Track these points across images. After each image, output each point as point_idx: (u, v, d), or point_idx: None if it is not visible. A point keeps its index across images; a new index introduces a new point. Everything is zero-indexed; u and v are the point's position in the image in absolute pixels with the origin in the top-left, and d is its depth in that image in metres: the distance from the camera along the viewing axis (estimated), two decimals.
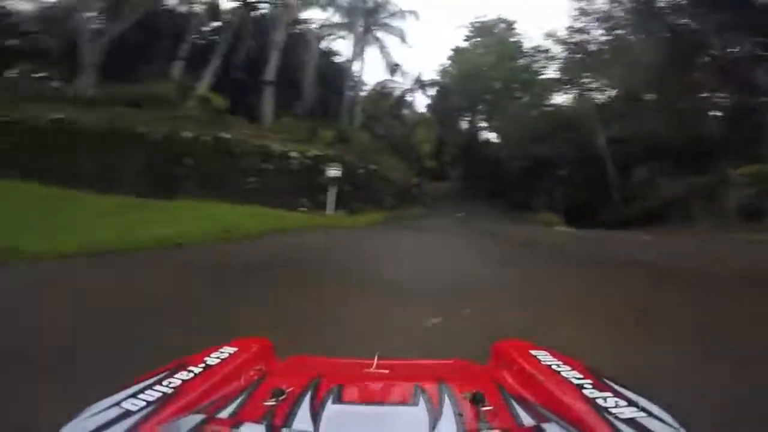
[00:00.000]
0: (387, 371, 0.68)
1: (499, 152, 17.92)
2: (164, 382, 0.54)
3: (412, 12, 19.92)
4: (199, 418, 0.45)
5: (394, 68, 23.64)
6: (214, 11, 13.13)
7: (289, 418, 0.47)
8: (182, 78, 10.79)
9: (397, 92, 23.89)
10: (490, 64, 23.83)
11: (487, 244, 6.91)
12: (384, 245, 5.70)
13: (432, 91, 25.92)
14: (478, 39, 27.36)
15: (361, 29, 19.63)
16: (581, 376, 0.57)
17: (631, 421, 0.45)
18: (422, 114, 24.21)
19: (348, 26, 19.69)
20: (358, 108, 18.60)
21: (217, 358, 0.64)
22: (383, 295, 3.08)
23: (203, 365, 0.61)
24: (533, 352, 0.69)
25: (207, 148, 7.54)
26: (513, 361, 0.68)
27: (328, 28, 19.94)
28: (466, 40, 27.33)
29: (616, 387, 0.54)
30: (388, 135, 18.75)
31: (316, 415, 0.47)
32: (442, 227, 9.03)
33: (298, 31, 16.56)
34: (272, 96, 12.27)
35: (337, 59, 20.14)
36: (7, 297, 2.64)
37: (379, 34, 21.17)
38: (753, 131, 10.21)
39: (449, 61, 28.38)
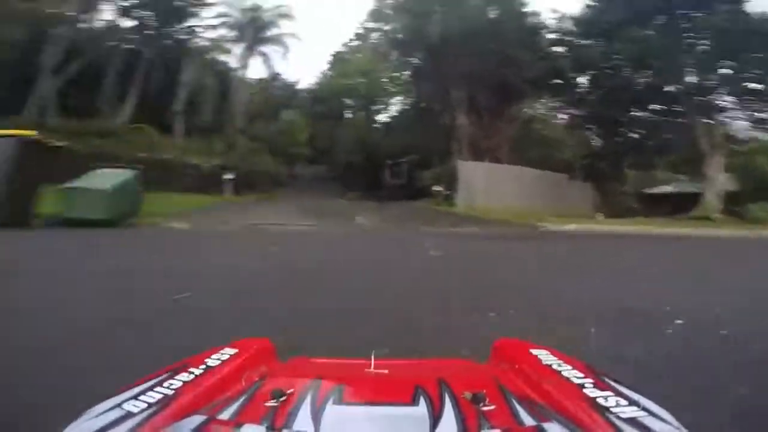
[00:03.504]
0: (386, 371, 0.73)
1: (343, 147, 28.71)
2: (165, 384, 0.59)
3: (292, 34, 28.05)
4: (200, 419, 0.49)
5: (275, 77, 32.19)
6: (132, 52, 20.23)
7: (289, 419, 0.50)
8: (123, 112, 18.28)
9: (276, 97, 32.63)
10: (359, 71, 33.48)
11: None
12: (246, 205, 15.28)
13: (308, 95, 35.22)
14: (355, 44, 36.80)
15: (247, 44, 27.28)
16: (582, 375, 0.62)
17: (632, 421, 0.48)
18: (297, 113, 33.19)
19: (236, 41, 27.14)
20: (242, 114, 26.75)
21: (218, 359, 0.70)
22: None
23: (204, 367, 0.67)
24: (533, 351, 0.75)
25: (157, 165, 15.82)
26: (513, 361, 0.73)
27: (218, 43, 27.12)
28: (344, 45, 34.68)
29: (617, 386, 0.58)
30: (266, 135, 27.45)
31: (316, 416, 0.51)
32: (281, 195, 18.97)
33: (194, 51, 23.71)
34: (182, 120, 20.43)
35: (224, 71, 27.45)
36: None
37: (264, 47, 29.15)
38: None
39: (329, 65, 37.39)
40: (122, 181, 8.78)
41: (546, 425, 0.49)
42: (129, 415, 0.50)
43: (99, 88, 18.67)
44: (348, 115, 33.75)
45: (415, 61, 22.79)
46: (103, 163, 9.49)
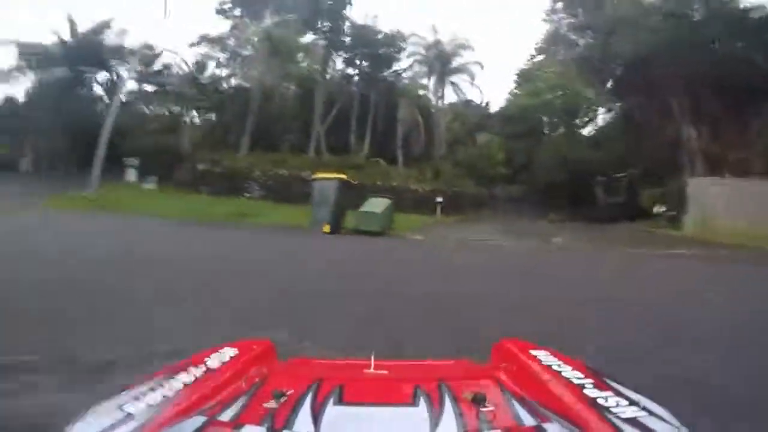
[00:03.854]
0: (387, 372, 0.75)
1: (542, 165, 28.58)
2: (166, 385, 0.60)
3: (475, 62, 30.18)
4: (200, 420, 0.50)
5: (466, 103, 35.30)
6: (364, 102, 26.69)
7: (290, 420, 0.51)
8: (363, 147, 24.70)
9: (470, 122, 35.51)
10: (549, 86, 33.27)
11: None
12: (453, 224, 17.81)
13: (499, 116, 36.82)
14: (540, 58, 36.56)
15: (437, 76, 30.94)
16: (582, 376, 0.63)
17: (632, 421, 0.49)
18: (491, 136, 35.05)
19: (429, 75, 30.99)
20: (443, 142, 30.37)
21: (219, 360, 0.72)
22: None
23: (204, 367, 0.68)
24: (534, 351, 0.76)
25: (388, 190, 20.55)
26: (513, 361, 0.75)
27: (416, 80, 31.97)
28: (529, 60, 34.82)
29: (617, 386, 0.59)
30: (466, 159, 30.30)
31: (316, 417, 0.52)
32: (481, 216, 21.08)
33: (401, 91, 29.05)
34: (401, 152, 25.54)
35: (425, 104, 31.94)
36: None
37: (452, 77, 32.48)
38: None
39: (516, 84, 38.30)
40: (386, 206, 12.74)
41: (546, 425, 0.51)
42: (129, 416, 0.51)
43: (347, 129, 25.32)
44: (545, 131, 33.51)
45: (617, 72, 21.48)
46: (373, 193, 13.78)
